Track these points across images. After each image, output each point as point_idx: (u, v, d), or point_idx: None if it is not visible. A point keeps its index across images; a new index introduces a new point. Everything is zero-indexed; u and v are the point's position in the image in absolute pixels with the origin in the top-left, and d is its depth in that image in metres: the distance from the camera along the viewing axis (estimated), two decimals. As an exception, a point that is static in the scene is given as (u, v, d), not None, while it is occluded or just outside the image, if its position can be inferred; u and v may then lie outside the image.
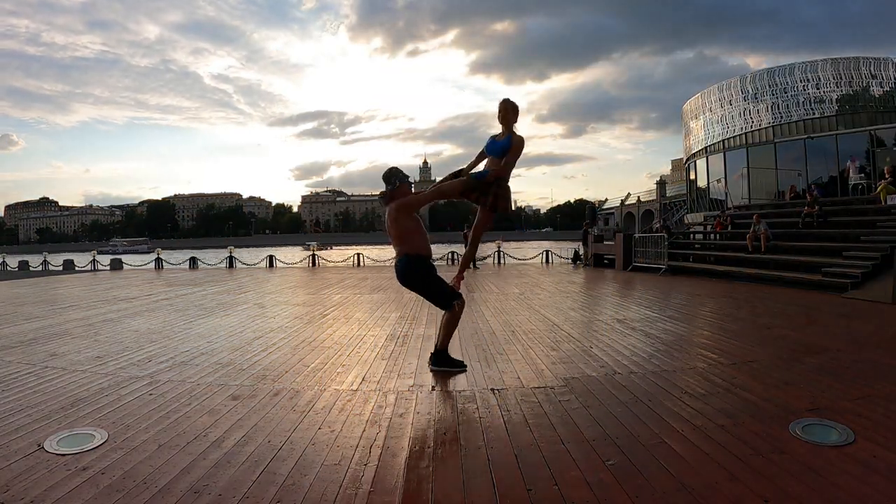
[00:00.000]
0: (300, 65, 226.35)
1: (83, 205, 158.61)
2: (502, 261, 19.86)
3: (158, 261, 21.13)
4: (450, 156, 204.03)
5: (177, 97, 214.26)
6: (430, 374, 4.09)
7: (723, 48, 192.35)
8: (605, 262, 16.62)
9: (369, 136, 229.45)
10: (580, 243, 18.77)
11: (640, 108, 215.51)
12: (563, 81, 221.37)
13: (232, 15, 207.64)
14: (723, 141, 27.81)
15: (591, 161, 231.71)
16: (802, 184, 19.69)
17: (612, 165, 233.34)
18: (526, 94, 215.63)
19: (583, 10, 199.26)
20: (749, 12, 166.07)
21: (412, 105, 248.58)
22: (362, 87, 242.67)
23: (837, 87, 23.28)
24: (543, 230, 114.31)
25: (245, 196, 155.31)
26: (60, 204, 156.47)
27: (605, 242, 17.51)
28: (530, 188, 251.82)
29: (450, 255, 20.56)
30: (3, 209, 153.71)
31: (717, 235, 15.52)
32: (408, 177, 4.05)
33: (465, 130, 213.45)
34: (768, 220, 14.81)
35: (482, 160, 4.03)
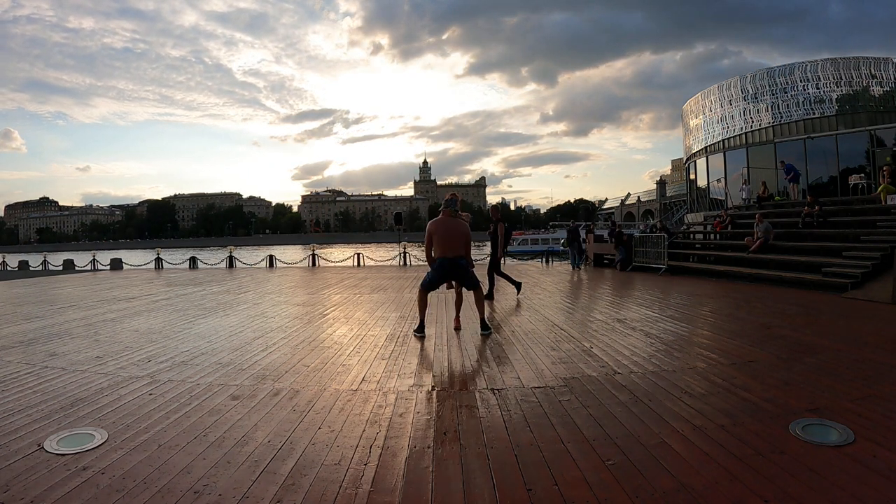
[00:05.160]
0: (334, 61, 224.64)
1: (83, 204, 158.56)
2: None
3: (158, 260, 21.13)
4: (455, 154, 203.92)
5: (203, 92, 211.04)
6: (430, 374, 4.10)
7: (745, 46, 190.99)
8: (605, 262, 16.63)
9: (373, 135, 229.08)
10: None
11: (649, 107, 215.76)
12: (571, 79, 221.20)
13: (278, 8, 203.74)
14: (723, 141, 27.82)
15: (594, 160, 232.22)
16: (803, 184, 19.68)
17: (615, 165, 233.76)
18: (532, 91, 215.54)
19: (602, 4, 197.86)
20: (774, 13, 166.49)
21: (418, 103, 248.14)
22: (366, 85, 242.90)
23: (837, 87, 23.31)
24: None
25: (245, 196, 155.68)
26: (60, 204, 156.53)
27: (604, 242, 17.49)
28: (533, 187, 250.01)
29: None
30: (2, 209, 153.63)
31: (717, 235, 15.52)
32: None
33: (472, 129, 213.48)
34: (768, 220, 14.81)
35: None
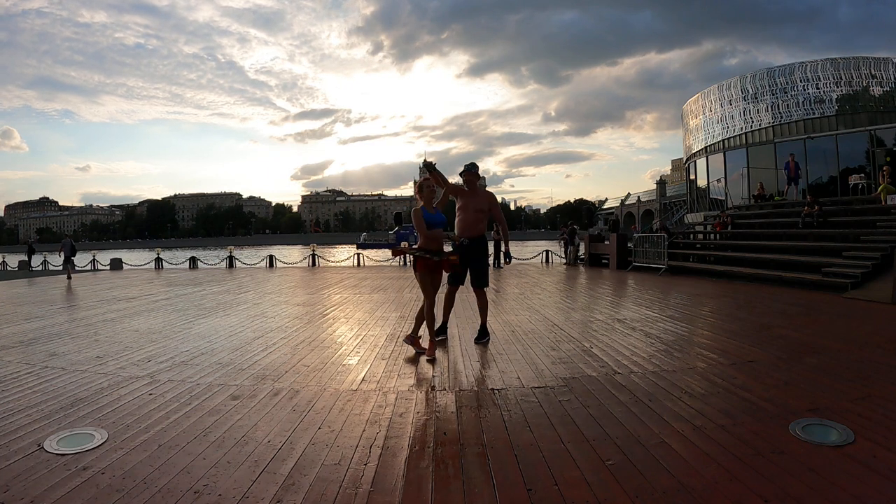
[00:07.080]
0: (347, 60, 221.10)
1: (83, 204, 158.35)
2: (502, 260, 19.85)
3: (158, 260, 21.14)
4: (458, 153, 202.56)
5: (215, 90, 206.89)
6: (430, 374, 4.10)
7: (754, 46, 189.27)
8: (604, 262, 16.63)
9: (375, 135, 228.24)
10: (567, 243, 18.96)
11: (654, 107, 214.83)
12: (574, 78, 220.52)
13: (296, 4, 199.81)
14: (723, 141, 27.80)
15: (597, 160, 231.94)
16: (802, 184, 19.65)
17: (617, 165, 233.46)
18: (534, 90, 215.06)
19: (609, 3, 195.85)
20: (784, 14, 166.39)
21: (421, 103, 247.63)
22: (368, 85, 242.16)
23: (837, 87, 23.28)
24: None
25: (245, 196, 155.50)
26: (60, 203, 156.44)
27: (603, 242, 17.50)
28: (535, 187, 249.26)
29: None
30: (2, 209, 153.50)
31: (717, 235, 15.52)
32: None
33: (474, 128, 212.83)
34: (768, 220, 14.83)
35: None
